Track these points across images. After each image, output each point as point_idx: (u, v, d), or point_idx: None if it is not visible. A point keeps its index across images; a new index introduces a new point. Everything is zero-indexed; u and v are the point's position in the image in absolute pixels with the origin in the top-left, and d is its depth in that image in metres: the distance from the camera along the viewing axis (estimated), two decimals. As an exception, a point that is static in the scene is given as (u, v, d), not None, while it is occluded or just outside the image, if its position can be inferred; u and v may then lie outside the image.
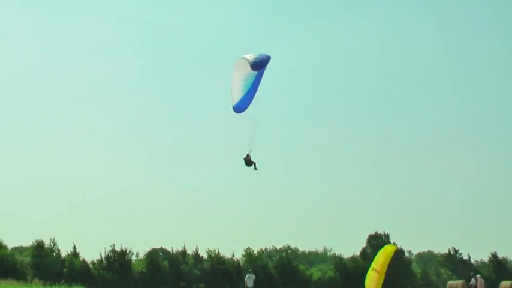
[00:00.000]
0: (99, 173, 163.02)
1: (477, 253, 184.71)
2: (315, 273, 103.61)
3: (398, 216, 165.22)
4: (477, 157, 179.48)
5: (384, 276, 50.11)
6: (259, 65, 27.82)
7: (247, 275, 56.37)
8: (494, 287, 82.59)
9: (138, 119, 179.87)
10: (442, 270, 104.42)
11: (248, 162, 29.04)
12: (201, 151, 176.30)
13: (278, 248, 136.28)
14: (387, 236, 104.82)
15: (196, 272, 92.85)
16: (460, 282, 71.58)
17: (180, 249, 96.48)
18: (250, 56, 28.03)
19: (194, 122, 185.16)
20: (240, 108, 28.82)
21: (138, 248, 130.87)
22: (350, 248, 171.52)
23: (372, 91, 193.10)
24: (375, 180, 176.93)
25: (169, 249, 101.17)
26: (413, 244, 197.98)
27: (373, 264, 45.41)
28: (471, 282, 64.26)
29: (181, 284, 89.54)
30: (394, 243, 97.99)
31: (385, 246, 61.46)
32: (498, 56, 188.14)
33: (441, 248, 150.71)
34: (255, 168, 29.25)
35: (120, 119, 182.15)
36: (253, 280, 55.71)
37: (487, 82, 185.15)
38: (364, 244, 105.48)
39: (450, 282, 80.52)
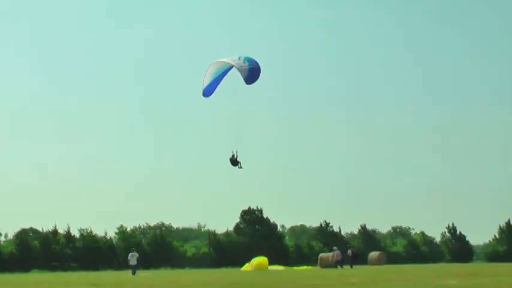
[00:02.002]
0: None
1: (347, 225, 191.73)
2: (189, 249, 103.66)
3: (271, 191, 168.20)
4: (346, 133, 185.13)
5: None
6: (254, 79, 27.86)
7: (130, 253, 55.39)
8: (363, 257, 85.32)
9: None
10: (314, 243, 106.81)
11: (233, 162, 29.14)
12: (68, 130, 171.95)
13: (152, 225, 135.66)
14: (260, 211, 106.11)
15: (68, 251, 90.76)
16: (330, 254, 73.41)
17: (50, 228, 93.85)
18: (241, 67, 27.74)
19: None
20: (205, 92, 29.26)
21: (7, 229, 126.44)
22: (224, 223, 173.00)
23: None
24: (248, 156, 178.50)
25: (40, 229, 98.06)
26: (286, 218, 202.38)
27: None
28: (348, 252, 66.17)
29: (53, 264, 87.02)
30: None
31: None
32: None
33: (313, 221, 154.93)
34: (240, 167, 29.26)
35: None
36: (137, 258, 54.87)
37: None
38: (237, 219, 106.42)
39: (321, 254, 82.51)
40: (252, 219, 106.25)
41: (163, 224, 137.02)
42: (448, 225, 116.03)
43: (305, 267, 75.36)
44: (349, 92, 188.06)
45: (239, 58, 28.01)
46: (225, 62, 28.43)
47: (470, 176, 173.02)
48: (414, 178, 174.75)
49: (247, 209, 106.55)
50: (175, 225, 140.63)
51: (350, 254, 65.53)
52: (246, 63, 27.67)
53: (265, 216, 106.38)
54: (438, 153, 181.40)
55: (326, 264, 73.42)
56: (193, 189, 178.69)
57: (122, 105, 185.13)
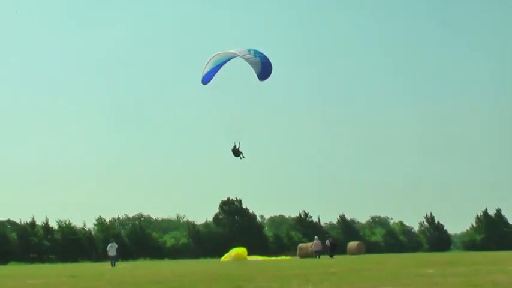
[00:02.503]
0: None
1: (326, 216, 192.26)
2: (169, 240, 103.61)
3: (250, 182, 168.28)
4: (326, 124, 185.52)
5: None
6: (267, 75, 27.74)
7: (109, 244, 55.12)
8: (343, 246, 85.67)
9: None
10: (293, 233, 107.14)
11: (236, 152, 29.52)
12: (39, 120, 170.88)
13: (131, 216, 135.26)
14: (240, 202, 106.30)
15: (47, 243, 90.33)
16: (309, 244, 73.68)
17: (28, 220, 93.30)
18: (250, 59, 27.52)
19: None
20: (204, 79, 29.45)
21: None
22: (203, 214, 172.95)
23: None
24: (226, 147, 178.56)
25: (18, 221, 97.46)
26: (265, 209, 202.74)
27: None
28: (326, 243, 66.35)
29: (31, 255, 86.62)
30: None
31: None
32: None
33: (292, 211, 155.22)
34: (243, 157, 29.71)
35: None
36: (116, 249, 54.65)
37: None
38: (217, 210, 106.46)
39: (300, 244, 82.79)
40: (231, 209, 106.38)
41: (142, 215, 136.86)
42: (426, 215, 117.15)
43: (284, 257, 75.54)
44: (326, 82, 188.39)
45: (249, 51, 27.79)
46: (228, 52, 28.38)
47: (448, 166, 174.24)
48: (393, 168, 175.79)
49: (226, 199, 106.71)
50: (154, 216, 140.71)
51: (328, 244, 65.73)
52: (257, 57, 27.46)
53: (244, 206, 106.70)
54: (416, 144, 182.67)
55: (305, 254, 73.64)
56: (172, 180, 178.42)
57: (99, 97, 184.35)
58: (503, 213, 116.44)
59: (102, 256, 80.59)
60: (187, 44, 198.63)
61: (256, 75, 27.34)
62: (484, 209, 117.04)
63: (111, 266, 51.01)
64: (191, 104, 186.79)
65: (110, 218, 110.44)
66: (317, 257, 62.72)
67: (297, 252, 78.75)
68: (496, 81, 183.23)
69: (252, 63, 27.17)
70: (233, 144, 29.62)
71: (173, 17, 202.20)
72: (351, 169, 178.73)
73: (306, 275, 23.62)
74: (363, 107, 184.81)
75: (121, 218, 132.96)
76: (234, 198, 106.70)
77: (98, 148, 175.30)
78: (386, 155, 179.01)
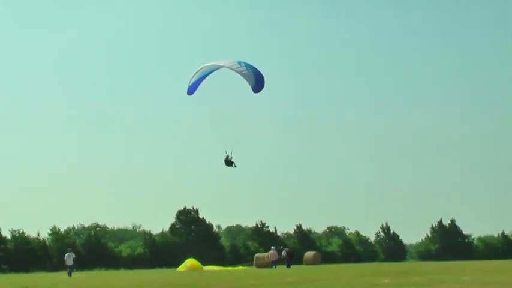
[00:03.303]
0: None
1: (283, 226, 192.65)
2: (125, 249, 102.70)
3: (207, 192, 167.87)
4: (282, 133, 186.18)
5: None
6: (261, 87, 28.34)
7: (66, 254, 54.55)
8: (299, 257, 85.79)
9: None
10: (250, 243, 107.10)
11: (228, 162, 30.32)
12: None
13: (86, 225, 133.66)
14: (196, 211, 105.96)
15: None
16: (266, 254, 73.72)
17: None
18: (242, 72, 27.80)
19: None
20: (189, 90, 30.30)
21: None
22: (159, 224, 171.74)
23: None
24: (184, 157, 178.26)
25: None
26: (222, 218, 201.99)
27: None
28: (282, 253, 66.35)
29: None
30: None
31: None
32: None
33: (249, 221, 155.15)
34: (235, 167, 30.54)
35: None
36: (73, 259, 54.09)
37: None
38: (173, 220, 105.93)
39: (257, 254, 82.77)
40: (188, 219, 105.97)
41: (97, 224, 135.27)
42: (382, 225, 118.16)
43: (241, 267, 75.44)
44: (282, 92, 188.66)
45: (239, 63, 28.27)
46: (215, 64, 28.88)
47: (404, 176, 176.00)
48: (349, 178, 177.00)
49: (183, 209, 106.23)
50: (110, 226, 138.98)
51: (285, 254, 65.76)
52: (249, 70, 28.09)
53: (201, 216, 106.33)
54: (372, 154, 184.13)
55: (262, 264, 73.63)
56: (128, 189, 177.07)
57: (56, 105, 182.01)
58: (457, 223, 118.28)
59: (57, 266, 79.49)
60: (140, 45, 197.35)
61: (250, 88, 27.83)
62: (439, 219, 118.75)
63: (68, 275, 50.49)
64: (147, 111, 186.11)
65: (65, 228, 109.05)
66: (273, 267, 62.78)
67: (254, 262, 78.67)
68: (447, 91, 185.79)
69: (245, 76, 27.63)
70: (225, 155, 30.29)
71: (127, 17, 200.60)
72: (307, 179, 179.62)
73: (262, 285, 23.69)
74: (317, 116, 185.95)
75: (76, 228, 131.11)
76: (191, 208, 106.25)
77: (53, 156, 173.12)
78: (343, 166, 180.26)
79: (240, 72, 27.62)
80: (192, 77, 29.73)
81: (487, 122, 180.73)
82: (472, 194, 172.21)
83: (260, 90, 28.08)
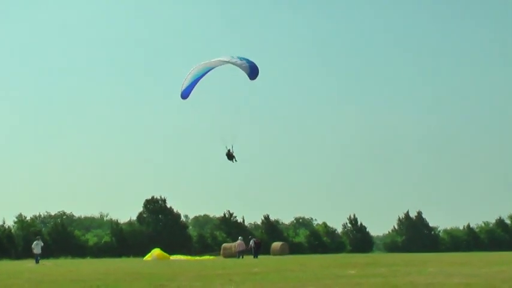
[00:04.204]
0: None
1: (251, 216, 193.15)
2: (91, 238, 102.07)
3: (175, 181, 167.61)
4: (250, 124, 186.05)
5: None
6: (255, 74, 28.67)
7: (34, 242, 54.34)
8: (266, 247, 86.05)
9: None
10: (218, 233, 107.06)
11: (229, 156, 31.00)
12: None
13: (53, 214, 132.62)
14: (164, 201, 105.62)
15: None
16: (233, 244, 73.85)
17: None
18: (241, 65, 28.27)
19: None
20: (183, 94, 30.57)
21: None
22: (127, 212, 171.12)
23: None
24: (152, 146, 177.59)
25: None
26: (189, 208, 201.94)
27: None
28: (250, 243, 66.48)
29: None
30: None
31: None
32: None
33: (217, 211, 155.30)
34: (235, 161, 31.17)
35: None
36: (41, 247, 53.90)
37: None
38: (141, 209, 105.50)
39: (224, 244, 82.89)
40: (156, 208, 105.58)
41: (64, 212, 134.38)
42: (350, 217, 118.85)
43: (208, 257, 75.45)
44: (257, 84, 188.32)
45: (232, 57, 28.96)
46: (206, 63, 29.46)
47: (371, 168, 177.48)
48: (317, 170, 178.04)
49: (150, 198, 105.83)
50: (77, 214, 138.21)
51: (252, 245, 65.93)
52: (244, 61, 28.53)
53: (168, 205, 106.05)
54: (339, 145, 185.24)
55: (229, 254, 73.73)
56: (95, 177, 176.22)
57: (19, 93, 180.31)
58: (424, 215, 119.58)
59: (23, 254, 78.77)
60: (104, 36, 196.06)
61: (246, 75, 28.60)
62: (405, 212, 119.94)
63: (36, 263, 50.54)
64: (116, 101, 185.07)
65: (31, 216, 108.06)
66: (240, 257, 62.85)
67: (221, 252, 78.75)
68: (414, 87, 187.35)
69: (239, 66, 28.24)
70: (226, 149, 30.91)
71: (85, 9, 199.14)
72: (275, 170, 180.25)
73: (229, 274, 23.68)
74: (283, 108, 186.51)
75: (42, 216, 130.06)
76: (159, 197, 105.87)
77: (18, 144, 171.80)
78: (312, 156, 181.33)
79: (234, 63, 28.21)
80: (185, 80, 30.00)
81: (452, 115, 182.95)
82: (439, 186, 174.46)
83: (256, 77, 28.70)
